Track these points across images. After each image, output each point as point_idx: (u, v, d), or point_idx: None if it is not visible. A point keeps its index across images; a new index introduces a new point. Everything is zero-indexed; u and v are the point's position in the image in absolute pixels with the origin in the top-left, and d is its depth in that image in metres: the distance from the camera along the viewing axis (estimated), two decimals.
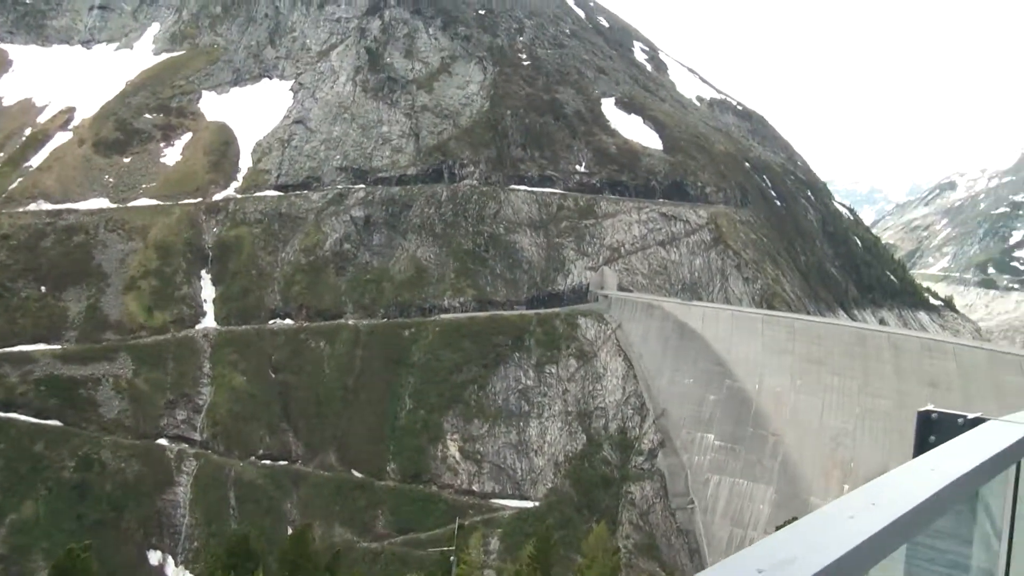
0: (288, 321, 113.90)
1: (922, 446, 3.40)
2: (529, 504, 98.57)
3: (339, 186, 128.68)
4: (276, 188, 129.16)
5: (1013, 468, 3.13)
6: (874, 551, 1.92)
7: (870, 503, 2.13)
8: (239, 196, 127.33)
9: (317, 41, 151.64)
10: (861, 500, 2.17)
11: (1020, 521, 3.23)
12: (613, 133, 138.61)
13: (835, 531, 1.92)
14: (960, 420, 3.36)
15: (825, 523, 2.00)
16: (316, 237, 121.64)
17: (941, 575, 3.00)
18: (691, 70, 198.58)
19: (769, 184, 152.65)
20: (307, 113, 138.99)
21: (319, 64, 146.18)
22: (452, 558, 37.94)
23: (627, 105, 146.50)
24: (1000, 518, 3.20)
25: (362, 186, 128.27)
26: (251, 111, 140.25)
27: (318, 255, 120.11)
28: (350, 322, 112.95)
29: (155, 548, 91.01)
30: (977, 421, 3.31)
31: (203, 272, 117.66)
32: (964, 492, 2.50)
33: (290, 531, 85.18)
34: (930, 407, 3.53)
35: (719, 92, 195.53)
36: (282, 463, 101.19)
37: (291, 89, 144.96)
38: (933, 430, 3.43)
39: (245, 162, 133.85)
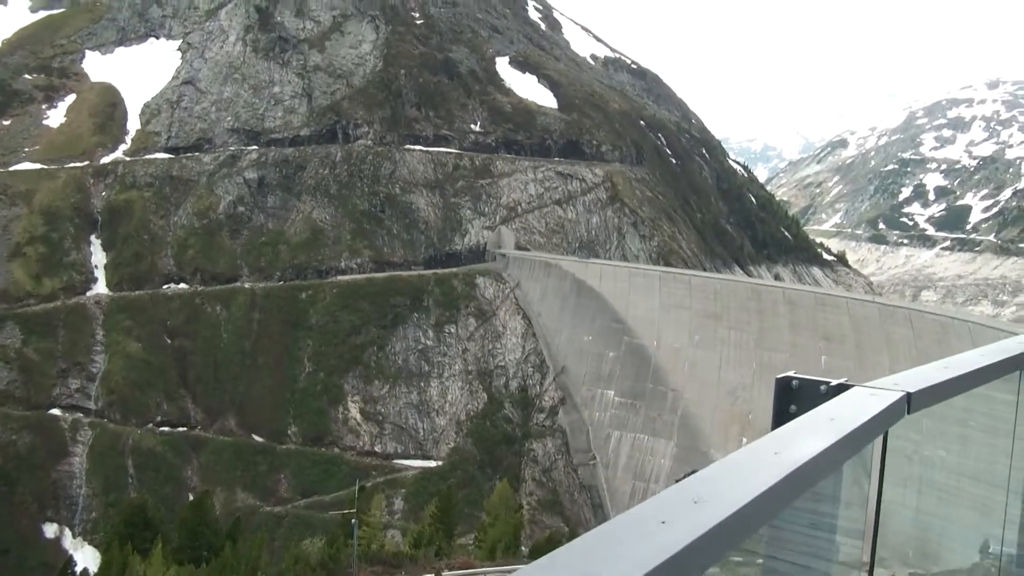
0: (183, 286, 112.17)
1: (782, 416, 3.14)
2: (432, 464, 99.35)
3: (231, 148, 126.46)
4: (166, 151, 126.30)
5: (880, 439, 3.04)
6: (726, 537, 1.75)
7: (723, 482, 1.98)
8: (128, 159, 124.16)
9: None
10: (714, 478, 2.02)
11: (887, 496, 3.16)
12: (508, 92, 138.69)
13: (652, 537, 1.63)
14: (823, 387, 3.10)
15: (640, 525, 1.71)
16: (209, 200, 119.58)
17: (805, 553, 2.87)
18: (585, 28, 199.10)
19: (664, 142, 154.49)
20: (196, 74, 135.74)
21: (207, 23, 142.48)
22: (353, 520, 38.11)
23: (522, 64, 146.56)
24: (865, 494, 3.12)
25: (255, 148, 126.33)
26: (138, 72, 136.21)
27: (212, 218, 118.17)
28: (246, 285, 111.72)
29: (51, 520, 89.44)
30: (841, 388, 3.08)
31: (93, 237, 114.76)
32: (822, 471, 2.36)
33: (191, 498, 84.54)
34: (791, 373, 3.22)
35: (613, 51, 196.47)
36: (181, 429, 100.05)
37: (179, 49, 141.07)
38: (794, 399, 3.16)
39: (133, 124, 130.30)
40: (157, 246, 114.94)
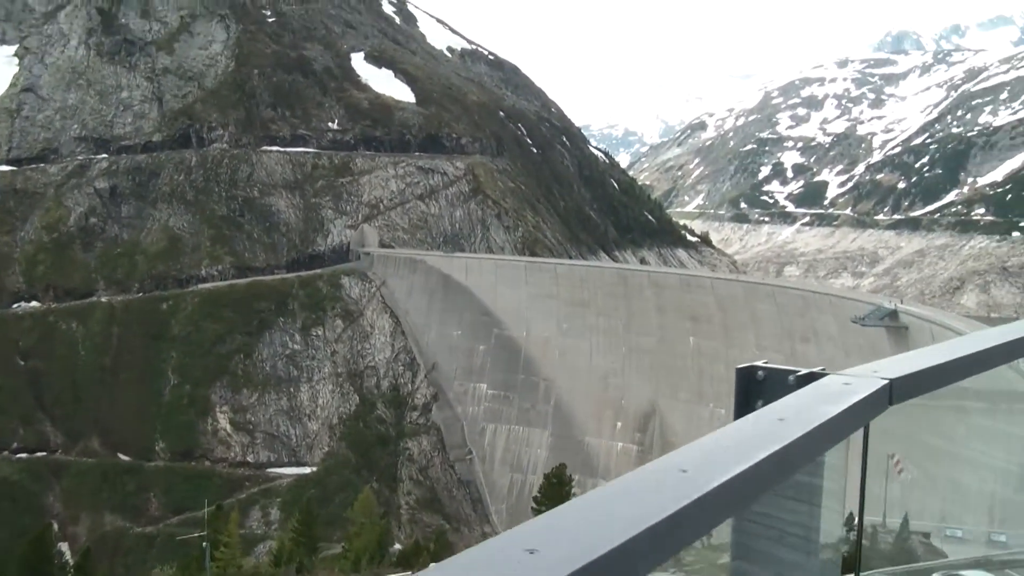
0: (34, 303, 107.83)
1: (743, 413, 2.62)
2: (307, 470, 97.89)
3: (79, 157, 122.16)
4: (8, 163, 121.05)
5: (860, 433, 2.64)
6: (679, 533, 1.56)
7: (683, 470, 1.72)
8: None
9: (41, 1, 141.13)
10: (667, 468, 1.75)
11: (871, 492, 2.84)
12: (365, 88, 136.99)
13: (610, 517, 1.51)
14: (791, 378, 2.72)
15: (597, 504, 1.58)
16: (58, 212, 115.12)
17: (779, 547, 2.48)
18: (441, 21, 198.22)
19: (525, 132, 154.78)
20: (37, 80, 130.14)
21: (46, 26, 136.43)
22: (204, 544, 36.48)
23: (377, 59, 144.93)
24: (843, 495, 2.63)
25: (105, 156, 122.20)
26: None
27: (62, 231, 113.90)
28: (103, 299, 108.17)
29: None
30: (812, 377, 2.70)
31: None
32: (789, 471, 2.06)
33: (56, 526, 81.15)
34: (757, 363, 2.81)
35: (470, 43, 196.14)
36: (40, 455, 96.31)
37: (16, 55, 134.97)
38: (759, 392, 2.74)
39: None
40: (4, 263, 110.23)
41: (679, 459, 1.82)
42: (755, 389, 2.74)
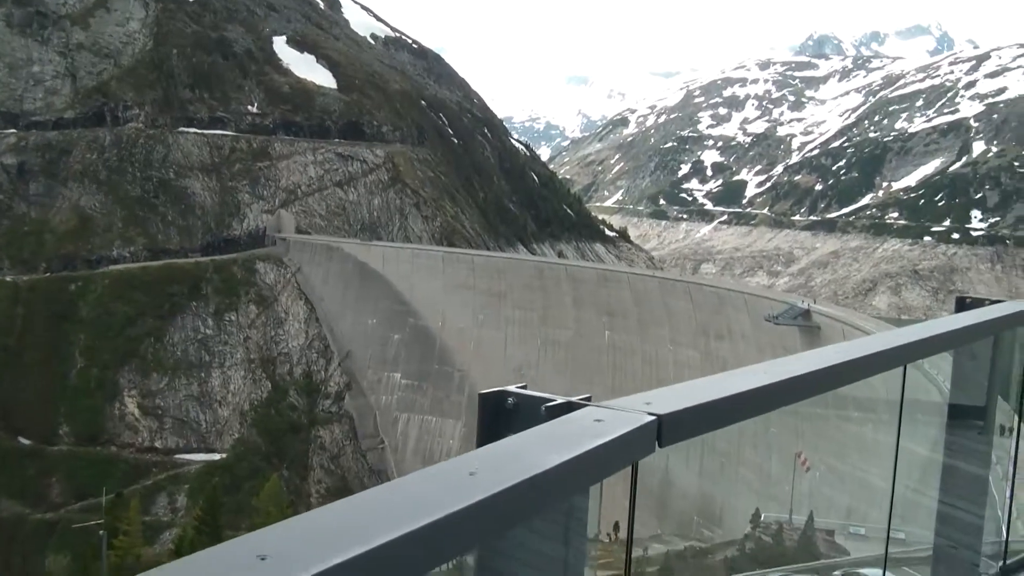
0: None
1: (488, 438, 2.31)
2: (216, 457, 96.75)
3: None
4: None
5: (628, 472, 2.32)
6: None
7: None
8: None
9: None
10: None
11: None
12: (286, 72, 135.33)
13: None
14: (544, 407, 2.35)
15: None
16: None
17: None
18: (365, 8, 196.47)
19: (446, 122, 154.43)
20: None
21: None
22: (101, 532, 35.51)
23: (299, 43, 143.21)
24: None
25: (13, 131, 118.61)
26: None
27: None
28: (8, 279, 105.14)
29: None
30: (571, 407, 2.34)
31: None
32: (528, 514, 1.92)
33: None
34: (509, 388, 2.46)
35: (394, 30, 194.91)
36: None
37: None
38: (507, 421, 2.38)
39: None
40: None
41: (411, 485, 1.73)
42: (503, 418, 2.43)
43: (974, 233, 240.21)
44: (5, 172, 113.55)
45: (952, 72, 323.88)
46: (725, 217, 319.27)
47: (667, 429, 2.29)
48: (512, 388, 2.46)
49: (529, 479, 1.79)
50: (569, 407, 2.36)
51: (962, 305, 5.15)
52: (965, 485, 5.00)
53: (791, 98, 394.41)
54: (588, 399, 2.42)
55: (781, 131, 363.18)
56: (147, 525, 73.17)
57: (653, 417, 2.28)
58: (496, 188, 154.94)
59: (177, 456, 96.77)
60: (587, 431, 2.15)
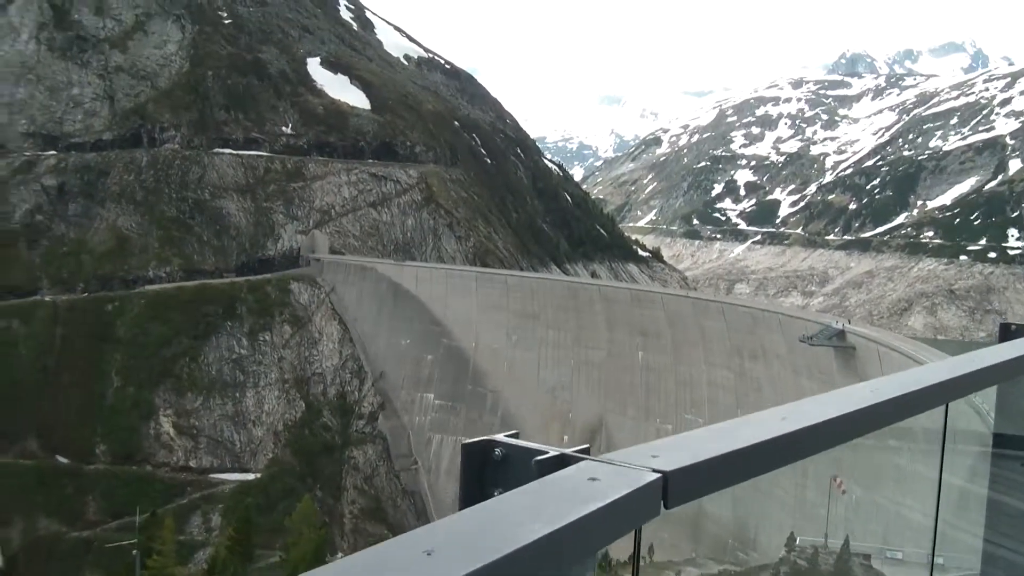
0: None
1: (471, 500, 2.00)
2: (250, 476, 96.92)
3: (27, 153, 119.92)
4: None
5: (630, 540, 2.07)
6: None
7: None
8: None
9: None
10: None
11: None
12: (320, 93, 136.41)
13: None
14: (535, 461, 2.08)
15: None
16: (3, 208, 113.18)
17: None
18: (398, 28, 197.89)
19: (479, 142, 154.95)
20: None
21: None
22: (135, 552, 35.67)
23: (333, 65, 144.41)
24: None
25: (53, 153, 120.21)
26: None
27: (6, 228, 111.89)
28: (47, 299, 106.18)
29: None
30: (567, 461, 2.09)
31: None
32: None
33: None
34: (497, 437, 2.16)
35: (427, 51, 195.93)
36: None
37: None
38: (495, 475, 2.12)
39: None
40: None
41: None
42: (491, 473, 2.15)
43: (1011, 252, 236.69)
44: (45, 193, 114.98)
45: (987, 89, 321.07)
46: (759, 237, 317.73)
47: (674, 488, 1.98)
48: (500, 437, 2.18)
49: (500, 559, 1.48)
50: (564, 460, 2.10)
51: (1007, 332, 4.86)
52: (1011, 522, 4.74)
53: (824, 117, 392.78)
54: (586, 450, 2.14)
55: (814, 150, 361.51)
56: (181, 544, 73.35)
57: (658, 475, 1.95)
58: (529, 208, 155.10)
59: (211, 475, 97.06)
60: (579, 493, 1.83)
